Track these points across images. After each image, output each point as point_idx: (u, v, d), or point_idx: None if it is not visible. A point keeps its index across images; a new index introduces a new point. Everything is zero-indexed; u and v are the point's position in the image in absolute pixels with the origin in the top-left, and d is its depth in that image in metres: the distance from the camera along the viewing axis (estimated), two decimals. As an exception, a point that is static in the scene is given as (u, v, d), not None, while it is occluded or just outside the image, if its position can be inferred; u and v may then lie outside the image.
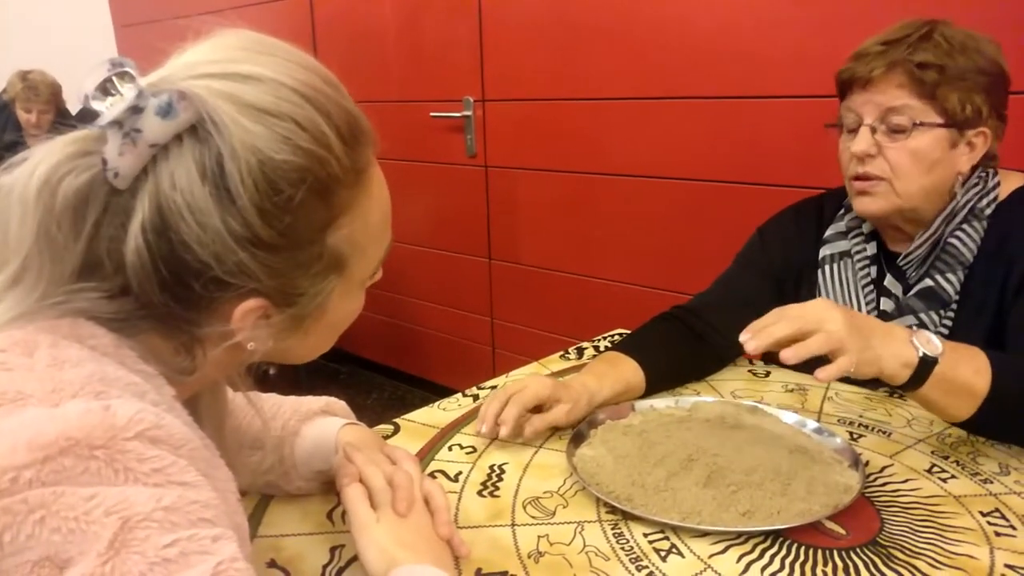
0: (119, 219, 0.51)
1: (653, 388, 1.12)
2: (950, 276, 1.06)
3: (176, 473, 0.47)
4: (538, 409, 0.99)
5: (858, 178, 1.07)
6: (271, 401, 0.85)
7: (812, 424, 0.98)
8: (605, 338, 1.41)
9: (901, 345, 0.84)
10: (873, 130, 1.04)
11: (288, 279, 0.55)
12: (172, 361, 0.56)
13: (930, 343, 0.84)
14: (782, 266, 1.24)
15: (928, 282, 1.08)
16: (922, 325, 1.07)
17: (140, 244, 0.51)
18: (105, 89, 0.50)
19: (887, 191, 1.05)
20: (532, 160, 2.46)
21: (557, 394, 0.99)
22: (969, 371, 0.85)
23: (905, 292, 1.11)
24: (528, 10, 2.32)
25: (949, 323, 1.06)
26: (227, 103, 0.51)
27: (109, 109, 0.49)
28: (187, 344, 0.56)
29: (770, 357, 1.27)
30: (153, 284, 0.52)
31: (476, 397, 1.15)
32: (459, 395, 1.16)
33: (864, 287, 1.14)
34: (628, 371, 1.10)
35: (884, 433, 1.01)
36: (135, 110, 0.49)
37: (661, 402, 1.06)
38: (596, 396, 1.03)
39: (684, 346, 1.18)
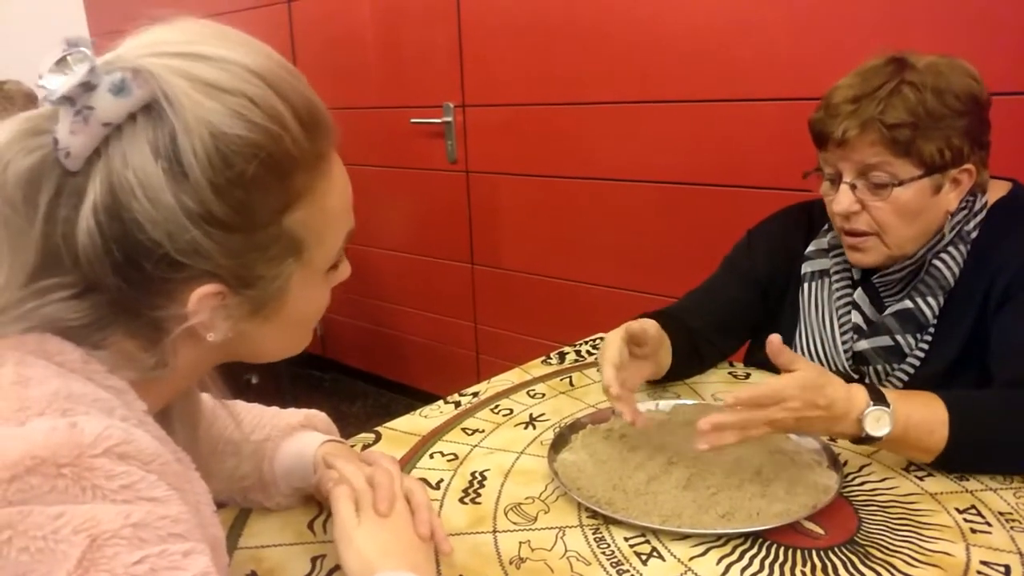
0: (72, 201, 0.50)
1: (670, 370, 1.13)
2: (930, 300, 1.05)
3: (145, 489, 0.46)
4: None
5: (847, 233, 1.06)
6: (251, 413, 0.85)
7: None
8: (587, 342, 1.42)
9: (848, 426, 0.84)
10: (854, 186, 1.01)
11: (244, 261, 0.54)
12: (142, 360, 0.55)
13: (879, 423, 0.84)
14: (768, 275, 1.24)
15: (907, 304, 1.06)
16: (897, 346, 1.07)
17: (91, 225, 0.49)
18: (61, 69, 0.49)
19: (877, 244, 1.04)
20: (513, 165, 2.47)
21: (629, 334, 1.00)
22: (923, 432, 0.86)
23: (880, 310, 1.10)
24: (507, 15, 2.33)
25: (926, 346, 1.06)
26: (181, 79, 0.50)
27: (60, 85, 0.48)
28: (152, 338, 0.55)
29: (751, 360, 1.30)
30: (105, 266, 0.50)
31: (458, 404, 1.15)
32: (440, 402, 1.16)
33: (840, 307, 1.13)
34: (666, 335, 1.11)
35: (862, 433, 1.02)
36: (87, 87, 0.48)
37: (641, 406, 1.06)
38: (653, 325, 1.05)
39: (686, 343, 1.16)
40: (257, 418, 0.84)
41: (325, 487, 0.74)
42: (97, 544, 0.43)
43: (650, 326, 1.03)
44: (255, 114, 0.51)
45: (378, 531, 0.66)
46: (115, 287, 0.51)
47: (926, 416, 0.86)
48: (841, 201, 1.02)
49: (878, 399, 0.84)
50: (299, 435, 0.84)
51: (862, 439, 0.85)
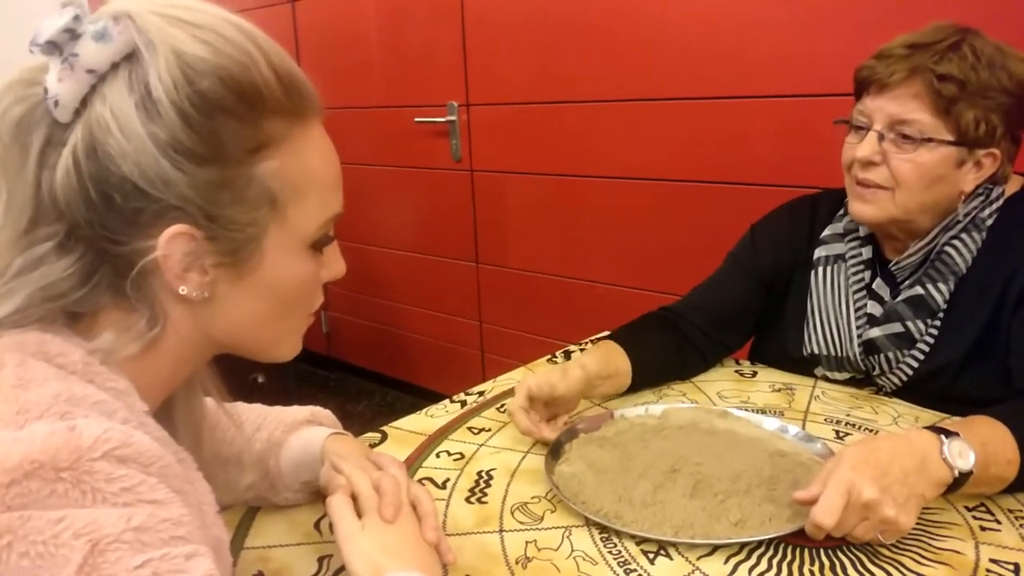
0: (60, 150, 0.52)
1: (638, 380, 1.13)
2: (941, 286, 1.05)
3: (146, 491, 0.46)
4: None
5: (860, 183, 1.05)
6: (255, 412, 0.85)
7: (775, 423, 0.99)
8: (592, 341, 1.41)
9: (937, 470, 0.76)
10: (881, 137, 1.00)
11: (214, 198, 0.53)
12: (134, 324, 0.55)
13: (963, 455, 0.77)
14: (772, 268, 1.24)
15: (918, 290, 1.06)
16: (907, 332, 1.06)
17: (69, 164, 0.51)
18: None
19: (886, 200, 1.03)
20: (518, 163, 2.46)
21: (545, 377, 0.99)
22: (1001, 465, 0.80)
23: (894, 298, 1.10)
24: (511, 14, 2.32)
25: (935, 332, 1.06)
26: (157, 18, 0.51)
27: (46, 28, 0.50)
28: (137, 296, 0.55)
29: (756, 356, 1.29)
30: (80, 204, 0.51)
31: (463, 403, 1.15)
32: (446, 401, 1.16)
33: (855, 292, 1.13)
34: (617, 357, 1.11)
35: (871, 431, 1.02)
36: (72, 34, 0.51)
37: (632, 411, 1.05)
38: (588, 366, 1.04)
39: (670, 344, 1.19)
40: (261, 418, 0.84)
41: (331, 487, 0.73)
42: (98, 549, 0.43)
43: (569, 381, 1.00)
44: (222, 44, 0.52)
45: (384, 534, 0.66)
46: (87, 223, 0.52)
47: (998, 444, 0.80)
48: (864, 147, 1.01)
49: (942, 431, 0.78)
50: (305, 430, 0.84)
51: (953, 483, 0.77)
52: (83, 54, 0.50)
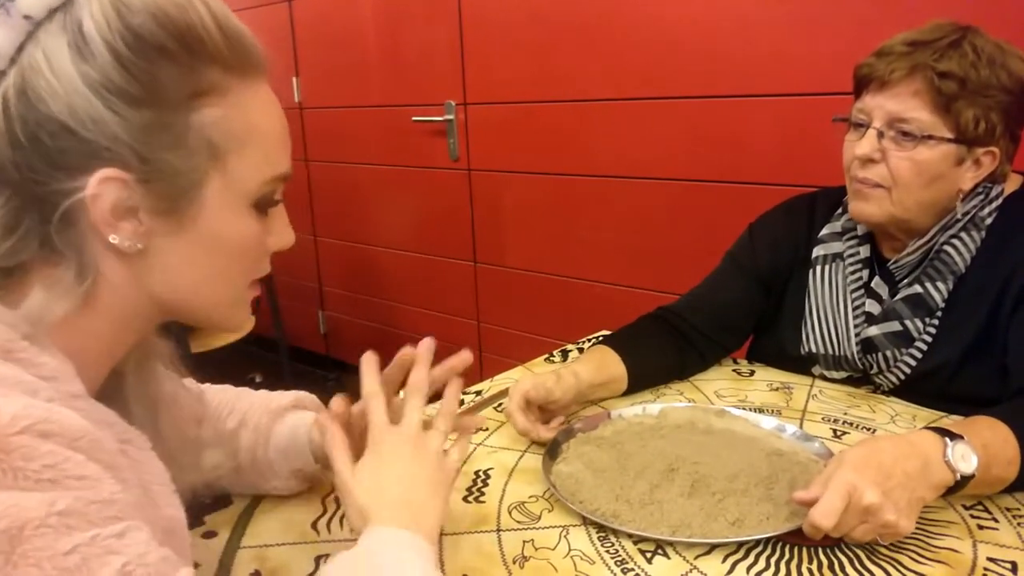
0: None
1: (635, 384, 1.13)
2: (939, 284, 1.04)
3: (72, 468, 0.44)
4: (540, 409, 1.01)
5: (859, 182, 1.05)
6: (241, 400, 0.85)
7: (773, 422, 0.99)
8: (590, 340, 1.41)
9: (939, 473, 0.76)
10: (880, 134, 1.00)
11: (148, 141, 0.52)
12: (64, 280, 0.53)
13: (965, 459, 0.77)
14: (770, 267, 1.24)
15: (916, 288, 1.06)
16: (905, 331, 1.07)
17: None
18: None
19: (883, 198, 1.03)
20: (515, 163, 2.46)
21: (541, 380, 1.00)
22: (1002, 466, 0.80)
23: (893, 296, 1.10)
24: (508, 13, 2.32)
25: (933, 330, 1.06)
26: None
27: None
28: (66, 243, 0.53)
29: (754, 355, 1.29)
30: (5, 143, 0.50)
31: (461, 402, 1.14)
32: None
33: (854, 290, 1.13)
34: (611, 363, 1.11)
35: (868, 430, 1.02)
36: None
37: (629, 411, 1.05)
38: (581, 375, 1.04)
39: (668, 346, 1.19)
40: (248, 404, 0.84)
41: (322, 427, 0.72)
42: (21, 537, 0.40)
43: (562, 387, 1.00)
44: None
45: (375, 479, 0.65)
46: (13, 164, 0.50)
47: (999, 445, 0.80)
48: (864, 145, 1.01)
49: (945, 433, 0.78)
50: (290, 416, 0.83)
51: (953, 485, 0.77)
52: (20, 0, 0.49)
